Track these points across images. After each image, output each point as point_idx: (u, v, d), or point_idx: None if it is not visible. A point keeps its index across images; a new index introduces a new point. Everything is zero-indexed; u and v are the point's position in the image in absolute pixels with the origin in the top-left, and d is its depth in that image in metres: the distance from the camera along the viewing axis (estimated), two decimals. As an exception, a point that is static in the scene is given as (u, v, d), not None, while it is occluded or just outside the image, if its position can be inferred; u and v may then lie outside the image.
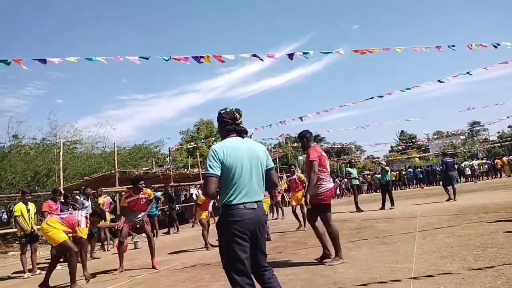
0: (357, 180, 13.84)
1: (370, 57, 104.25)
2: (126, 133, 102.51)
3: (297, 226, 9.48)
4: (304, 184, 8.97)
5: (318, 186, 5.12)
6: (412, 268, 4.15)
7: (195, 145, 23.28)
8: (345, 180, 25.89)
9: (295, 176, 9.69)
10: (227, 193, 2.50)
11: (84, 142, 22.70)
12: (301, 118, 12.91)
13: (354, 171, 13.80)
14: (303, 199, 5.82)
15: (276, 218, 13.50)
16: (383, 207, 11.90)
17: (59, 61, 5.88)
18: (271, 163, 2.76)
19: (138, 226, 7.09)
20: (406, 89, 11.21)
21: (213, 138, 30.60)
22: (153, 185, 16.82)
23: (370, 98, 11.29)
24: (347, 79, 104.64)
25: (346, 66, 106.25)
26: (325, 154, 5.39)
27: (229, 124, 2.72)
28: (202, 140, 26.91)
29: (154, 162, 24.77)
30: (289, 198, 11.26)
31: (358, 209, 12.29)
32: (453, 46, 7.26)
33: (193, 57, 6.05)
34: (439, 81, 10.58)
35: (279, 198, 14.25)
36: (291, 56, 6.53)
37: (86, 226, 5.99)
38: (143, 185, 6.88)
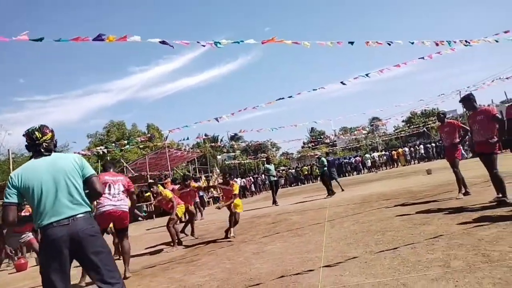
0: (275, 176, 14.30)
1: (281, 59, 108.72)
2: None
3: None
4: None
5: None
6: (322, 256, 4.37)
7: (105, 148, 21.83)
8: (263, 176, 26.55)
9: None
10: (36, 216, 2.45)
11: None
12: (217, 119, 12.90)
13: (272, 167, 14.23)
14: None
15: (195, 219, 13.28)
16: (331, 194, 12.41)
17: None
18: (88, 171, 2.66)
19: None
20: (313, 89, 11.84)
21: (126, 141, 29.11)
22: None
23: (281, 99, 11.67)
24: (261, 79, 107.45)
25: (260, 67, 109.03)
26: (109, 178, 5.51)
27: (30, 145, 2.65)
28: (114, 143, 25.36)
29: (58, 169, 22.71)
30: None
31: (275, 203, 13.00)
32: (352, 42, 7.83)
33: (94, 38, 5.42)
34: (341, 82, 11.33)
35: (197, 199, 14.03)
36: (202, 44, 6.25)
37: None
38: (24, 203, 6.33)
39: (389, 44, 8.07)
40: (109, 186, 5.43)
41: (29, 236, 6.47)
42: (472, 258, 3.30)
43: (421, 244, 4.10)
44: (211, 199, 22.73)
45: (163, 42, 5.79)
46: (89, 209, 2.57)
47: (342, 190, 13.41)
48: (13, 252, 8.97)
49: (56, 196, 2.44)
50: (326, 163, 13.11)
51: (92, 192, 2.64)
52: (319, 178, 13.62)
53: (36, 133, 2.64)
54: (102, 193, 2.83)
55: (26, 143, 2.69)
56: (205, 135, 54.40)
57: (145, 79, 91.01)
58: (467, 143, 19.11)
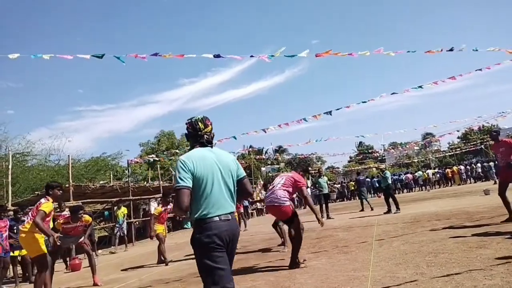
0: (326, 189, 14.10)
1: (329, 72, 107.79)
2: (83, 145, 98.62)
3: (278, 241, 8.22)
4: None
5: None
6: (369, 276, 4.23)
7: (156, 157, 22.73)
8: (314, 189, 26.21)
9: None
10: (199, 206, 2.38)
11: (37, 154, 21.58)
12: (264, 130, 13.06)
13: (323, 181, 14.10)
14: None
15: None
16: (388, 211, 11.90)
17: None
18: (242, 172, 2.65)
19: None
20: (362, 102, 11.65)
21: (175, 150, 30.11)
22: (111, 200, 16.25)
23: (328, 113, 11.59)
24: (307, 92, 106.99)
25: (307, 79, 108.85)
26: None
27: (191, 135, 2.64)
28: (164, 152, 26.34)
29: (112, 175, 23.93)
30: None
31: (328, 216, 12.94)
32: (414, 51, 7.66)
33: (151, 54, 5.76)
34: (392, 93, 11.06)
35: (241, 210, 14.18)
36: (255, 56, 6.40)
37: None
38: (82, 214, 6.80)
39: (451, 50, 7.76)
40: None
41: (81, 238, 6.85)
42: (536, 288, 3.05)
43: (478, 268, 3.85)
44: (254, 211, 22.81)
45: (217, 56, 5.98)
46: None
47: (372, 209, 13.22)
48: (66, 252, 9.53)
49: (222, 189, 2.45)
50: (390, 177, 12.71)
51: (245, 192, 2.67)
52: (382, 193, 13.26)
53: (199, 123, 2.63)
54: (252, 194, 2.88)
55: (187, 132, 2.68)
56: (250, 146, 54.99)
57: (194, 91, 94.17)
58: None
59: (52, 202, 5.45)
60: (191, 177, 2.37)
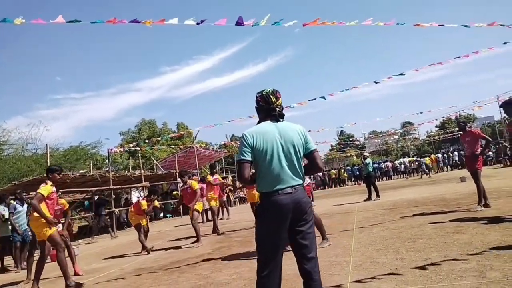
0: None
1: (313, 60, 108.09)
2: (61, 134, 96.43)
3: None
4: None
5: None
6: (350, 261, 4.32)
7: (137, 146, 22.41)
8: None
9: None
10: (260, 180, 2.45)
11: (13, 143, 21.00)
12: (250, 117, 12.99)
13: None
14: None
15: (221, 219, 13.42)
16: (369, 198, 11.98)
17: None
18: (311, 146, 2.58)
19: None
20: (346, 89, 11.71)
21: (156, 138, 29.81)
22: (91, 189, 15.98)
23: (313, 99, 11.65)
24: (291, 80, 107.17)
25: (290, 67, 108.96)
26: None
27: (264, 108, 2.61)
28: (145, 141, 25.98)
29: (91, 164, 23.51)
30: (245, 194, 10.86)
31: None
32: (403, 23, 7.67)
33: (131, 21, 5.42)
34: (374, 82, 11.19)
35: (224, 198, 14.19)
36: (240, 23, 6.12)
37: None
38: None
39: (442, 26, 7.80)
40: None
41: (60, 226, 6.67)
42: (510, 270, 3.16)
43: (455, 253, 3.98)
44: (237, 199, 22.88)
45: (200, 23, 5.74)
46: (303, 182, 2.55)
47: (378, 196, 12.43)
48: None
49: (282, 164, 2.42)
50: (371, 164, 12.74)
51: (314, 166, 2.61)
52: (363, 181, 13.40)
53: (271, 96, 2.59)
54: (322, 169, 2.79)
55: (258, 105, 2.64)
56: (232, 135, 54.85)
57: (176, 79, 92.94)
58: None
59: (51, 186, 5.38)
60: (251, 151, 2.43)
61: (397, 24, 7.59)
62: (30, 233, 7.89)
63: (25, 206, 8.64)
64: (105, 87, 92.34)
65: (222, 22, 5.95)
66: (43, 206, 5.19)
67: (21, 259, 8.24)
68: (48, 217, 5.13)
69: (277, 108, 2.60)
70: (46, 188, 5.26)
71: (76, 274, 6.25)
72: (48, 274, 6.95)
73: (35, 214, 5.22)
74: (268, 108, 2.60)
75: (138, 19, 5.49)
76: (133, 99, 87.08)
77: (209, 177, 10.07)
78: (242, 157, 2.43)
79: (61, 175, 5.65)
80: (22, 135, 21.70)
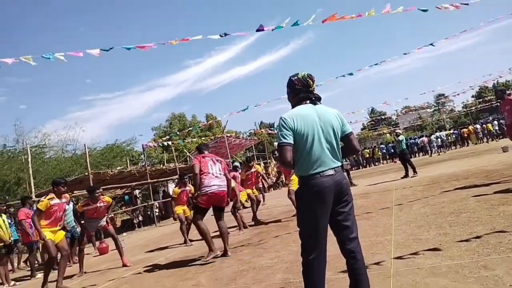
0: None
1: (335, 41, 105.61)
2: (96, 133, 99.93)
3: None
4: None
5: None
6: (392, 239, 4.27)
7: (169, 140, 22.92)
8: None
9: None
10: (301, 163, 2.43)
11: (53, 146, 22.03)
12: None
13: None
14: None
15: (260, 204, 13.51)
16: (406, 175, 11.70)
17: (13, 62, 5.42)
18: (348, 128, 2.58)
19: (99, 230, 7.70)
20: (375, 64, 11.43)
21: (189, 129, 30.36)
22: (130, 184, 16.57)
23: (342, 76, 11.47)
24: (314, 63, 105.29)
25: (313, 50, 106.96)
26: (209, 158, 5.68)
27: (302, 91, 2.60)
28: (177, 133, 26.52)
29: (128, 161, 24.29)
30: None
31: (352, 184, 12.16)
32: (426, 10, 7.38)
33: (158, 43, 5.79)
34: (404, 53, 10.83)
35: (260, 185, 14.26)
36: (261, 30, 6.21)
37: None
38: (99, 193, 6.99)
39: (466, 4, 7.43)
40: (211, 166, 5.58)
41: (104, 221, 7.02)
42: None
43: (502, 225, 3.84)
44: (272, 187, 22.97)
45: (224, 35, 5.91)
46: (341, 164, 2.57)
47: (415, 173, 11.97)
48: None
49: (323, 147, 2.43)
50: (405, 141, 12.41)
51: (351, 148, 2.63)
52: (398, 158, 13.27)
53: (308, 79, 2.59)
54: (359, 150, 2.83)
55: (294, 89, 2.62)
56: (261, 123, 54.83)
57: (200, 71, 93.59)
58: None
59: (50, 199, 5.78)
60: (292, 134, 2.40)
61: (419, 9, 7.28)
62: (78, 229, 8.28)
63: (71, 204, 9.08)
64: (133, 86, 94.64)
65: (245, 33, 6.18)
66: (46, 215, 5.73)
67: (72, 254, 8.71)
68: (40, 231, 5.59)
69: (314, 91, 2.59)
70: (42, 203, 5.74)
71: (124, 265, 6.54)
72: (98, 267, 7.34)
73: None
74: (306, 91, 2.58)
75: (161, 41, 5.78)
76: (160, 94, 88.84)
77: (258, 167, 9.98)
78: (284, 140, 2.39)
79: (65, 188, 6.03)
80: (61, 137, 22.65)
